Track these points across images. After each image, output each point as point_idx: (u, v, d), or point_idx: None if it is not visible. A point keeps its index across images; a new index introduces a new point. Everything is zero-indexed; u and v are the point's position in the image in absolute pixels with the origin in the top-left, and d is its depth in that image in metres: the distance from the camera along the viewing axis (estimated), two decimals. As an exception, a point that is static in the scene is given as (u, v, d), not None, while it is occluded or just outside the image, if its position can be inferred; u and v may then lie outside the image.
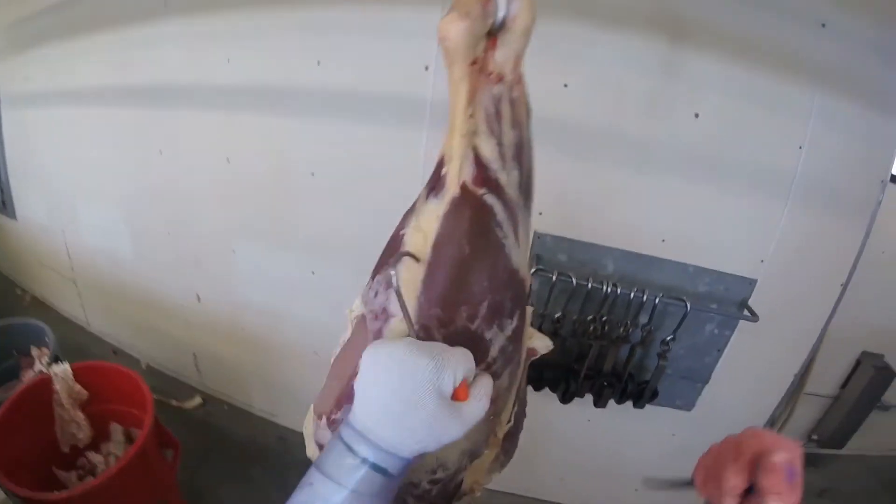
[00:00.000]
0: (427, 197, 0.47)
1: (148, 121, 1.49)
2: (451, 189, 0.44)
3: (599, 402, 1.31)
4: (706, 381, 1.43)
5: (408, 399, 0.39)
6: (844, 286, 1.27)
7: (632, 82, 1.09)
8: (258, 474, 1.69)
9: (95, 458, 1.36)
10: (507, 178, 0.45)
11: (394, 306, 0.49)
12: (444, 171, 0.45)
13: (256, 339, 1.71)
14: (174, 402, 1.88)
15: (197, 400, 1.90)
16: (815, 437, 2.08)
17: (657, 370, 1.27)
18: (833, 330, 1.35)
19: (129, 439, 1.40)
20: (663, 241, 1.23)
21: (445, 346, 0.43)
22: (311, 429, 0.61)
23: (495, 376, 0.51)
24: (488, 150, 0.43)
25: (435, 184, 0.46)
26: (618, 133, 1.15)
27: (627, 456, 1.63)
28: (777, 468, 0.46)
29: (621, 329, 1.23)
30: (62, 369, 1.29)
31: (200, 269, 1.64)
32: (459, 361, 0.42)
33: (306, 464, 1.66)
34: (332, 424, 0.55)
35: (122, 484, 1.09)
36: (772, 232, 1.22)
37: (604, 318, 1.20)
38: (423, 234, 0.46)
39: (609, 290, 1.15)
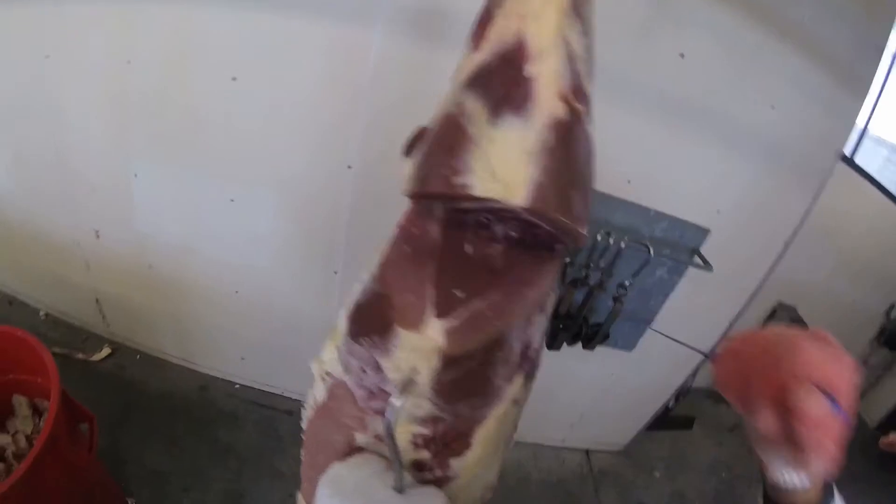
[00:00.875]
0: (495, 113, 0.30)
1: (31, 19, 1.16)
2: (547, 104, 0.29)
3: (553, 345, 1.29)
4: (649, 323, 1.46)
5: None
6: (787, 244, 1.33)
7: (620, 8, 1.00)
8: (182, 431, 1.54)
9: (2, 438, 1.15)
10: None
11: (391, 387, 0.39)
12: (526, 69, 0.29)
13: (166, 279, 1.50)
14: (80, 356, 1.64)
15: (105, 351, 1.67)
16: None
17: (612, 313, 1.26)
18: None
19: (37, 411, 1.20)
20: (629, 181, 1.19)
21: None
22: None
23: (534, 366, 0.44)
24: (578, 43, 0.30)
25: (507, 89, 0.29)
26: (599, 61, 1.05)
27: (565, 393, 1.67)
28: (814, 419, 0.35)
29: (581, 271, 1.19)
30: None
31: (97, 200, 1.38)
32: None
33: (232, 415, 1.51)
34: None
35: (36, 482, 0.91)
36: (732, 184, 1.23)
37: (567, 261, 1.15)
38: (502, 185, 0.30)
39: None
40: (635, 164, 1.19)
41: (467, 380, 0.40)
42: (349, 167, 1.21)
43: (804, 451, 0.37)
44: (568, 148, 0.30)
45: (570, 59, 0.30)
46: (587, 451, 1.84)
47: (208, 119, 1.19)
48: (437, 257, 0.38)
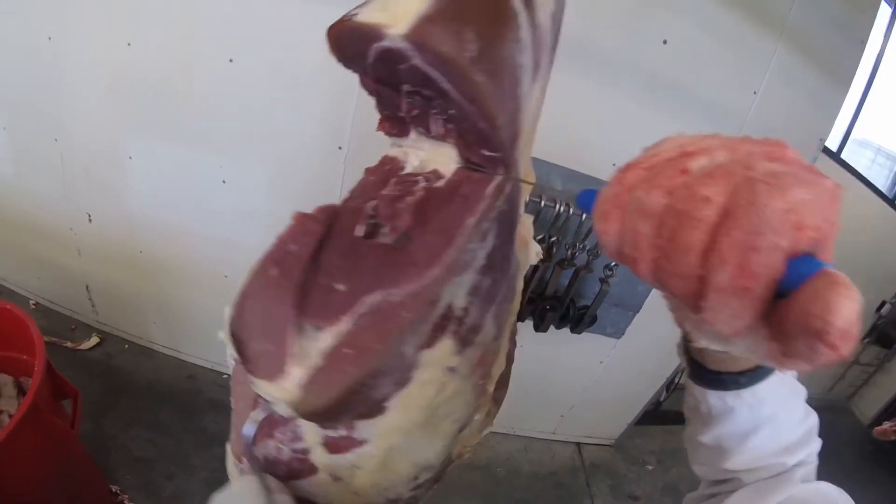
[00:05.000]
0: None
1: (32, 0, 1.19)
2: None
3: (541, 327, 1.30)
4: (637, 310, 1.47)
5: None
6: None
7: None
8: (168, 418, 1.53)
9: None
10: None
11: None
12: None
13: (157, 264, 1.50)
14: (69, 345, 1.64)
15: (94, 340, 1.67)
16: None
17: (599, 295, 1.27)
18: None
19: (22, 391, 1.18)
20: (614, 164, 1.20)
21: None
22: (234, 470, 0.47)
23: (473, 331, 0.37)
24: None
25: None
26: (583, 45, 1.09)
27: (555, 383, 1.67)
28: (853, 337, 0.20)
29: (567, 252, 1.20)
30: None
31: (91, 182, 1.39)
32: None
33: (219, 404, 1.51)
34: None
35: (15, 450, 0.90)
36: None
37: (552, 240, 1.16)
38: (388, 14, 0.30)
39: (561, 209, 1.11)
40: (621, 147, 1.18)
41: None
42: (340, 148, 1.23)
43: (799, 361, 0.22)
44: None
45: None
46: (578, 445, 1.83)
47: (205, 101, 1.22)
48: (304, 268, 0.34)
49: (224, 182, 1.31)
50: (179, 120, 1.25)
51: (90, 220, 1.46)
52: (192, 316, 1.60)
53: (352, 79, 0.38)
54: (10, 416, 1.13)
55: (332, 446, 0.39)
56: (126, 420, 1.49)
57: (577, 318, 1.31)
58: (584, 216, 1.14)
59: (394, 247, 0.34)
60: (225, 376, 1.68)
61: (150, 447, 1.45)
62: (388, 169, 0.40)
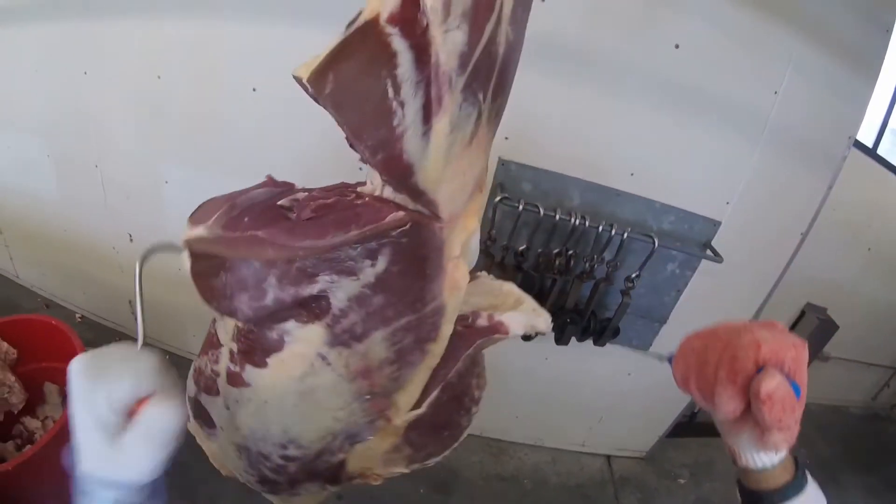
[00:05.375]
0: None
1: (71, 38, 1.28)
2: (360, 18, 0.35)
3: (562, 340, 1.29)
4: (664, 322, 1.44)
5: (83, 426, 0.39)
6: (804, 236, 1.30)
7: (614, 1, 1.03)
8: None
9: (32, 423, 1.23)
10: (443, 38, 0.35)
11: None
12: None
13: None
14: (111, 356, 1.73)
15: (136, 351, 1.76)
16: (758, 381, 2.19)
17: (620, 307, 1.25)
18: (782, 279, 1.38)
19: (66, 399, 1.27)
20: (632, 174, 1.20)
21: (120, 359, 0.41)
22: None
23: (352, 337, 0.44)
24: None
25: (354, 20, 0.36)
26: (594, 55, 1.08)
27: (583, 395, 1.65)
28: (777, 399, 0.39)
29: (586, 264, 1.19)
30: None
31: (131, 205, 1.48)
32: (121, 379, 0.39)
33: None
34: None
35: (57, 453, 0.96)
36: (740, 175, 1.21)
37: (569, 253, 1.16)
38: (305, 67, 0.37)
39: (577, 222, 1.10)
40: (638, 156, 1.19)
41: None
42: (360, 169, 1.26)
43: (769, 429, 0.41)
44: (348, 46, 0.36)
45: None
46: (608, 457, 1.80)
47: (232, 127, 1.27)
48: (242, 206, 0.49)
49: (252, 204, 1.36)
50: (208, 146, 1.31)
51: (131, 240, 1.55)
52: (227, 329, 1.67)
53: None
54: (55, 421, 1.23)
55: (231, 378, 0.48)
56: (164, 427, 1.57)
57: (598, 330, 1.29)
58: (600, 228, 1.13)
59: (292, 220, 0.44)
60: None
61: (186, 452, 1.51)
62: (346, 184, 0.50)
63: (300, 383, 0.46)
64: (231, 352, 0.49)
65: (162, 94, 1.27)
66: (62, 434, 0.96)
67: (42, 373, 1.24)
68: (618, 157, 1.18)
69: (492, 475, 1.66)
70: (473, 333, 0.49)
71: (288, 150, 1.27)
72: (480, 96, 0.39)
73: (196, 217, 0.49)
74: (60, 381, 1.25)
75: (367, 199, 0.43)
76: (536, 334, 1.22)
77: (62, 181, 1.56)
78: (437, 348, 0.48)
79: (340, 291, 0.42)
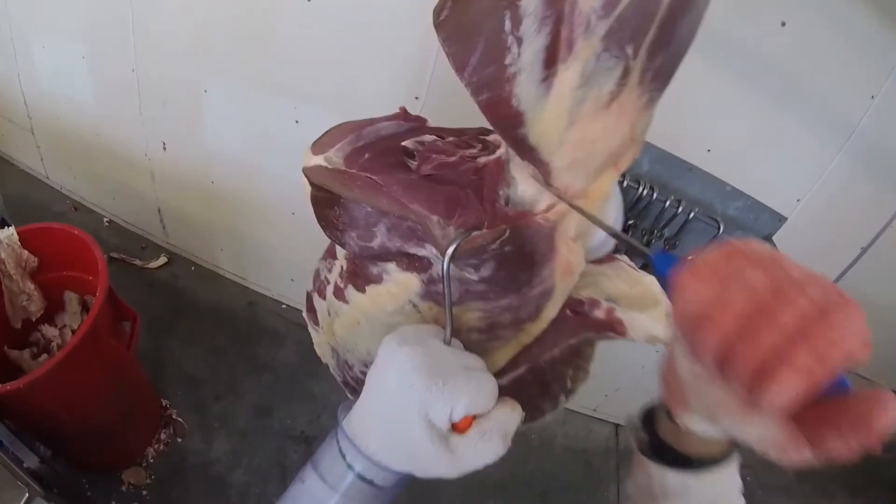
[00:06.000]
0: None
1: None
2: None
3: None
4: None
5: (395, 418, 0.36)
6: (864, 250, 1.25)
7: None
8: (224, 342, 1.62)
9: (50, 331, 1.22)
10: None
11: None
12: None
13: (227, 195, 1.54)
14: (137, 263, 1.74)
15: (162, 260, 1.76)
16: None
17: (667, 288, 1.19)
18: None
19: (86, 308, 1.26)
20: (709, 150, 1.10)
21: (462, 369, 0.36)
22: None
23: (442, 297, 0.40)
24: None
25: None
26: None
27: (606, 361, 1.57)
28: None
29: (644, 238, 1.12)
30: (7, 235, 1.10)
31: (167, 112, 1.41)
32: (464, 393, 0.35)
33: (275, 333, 1.58)
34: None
35: (74, 368, 0.97)
36: (817, 174, 1.14)
37: (630, 223, 1.08)
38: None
39: (645, 192, 1.02)
40: (718, 133, 1.10)
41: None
42: (416, 98, 1.17)
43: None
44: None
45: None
46: (617, 427, 1.81)
47: (281, 41, 1.18)
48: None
49: (297, 122, 1.29)
50: (255, 58, 1.22)
51: (165, 149, 1.50)
52: (258, 247, 1.65)
53: (433, 30, 0.37)
54: (73, 330, 1.23)
55: (336, 290, 0.52)
56: (184, 339, 1.59)
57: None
58: (667, 202, 1.05)
59: (412, 171, 0.43)
60: (284, 306, 1.75)
61: (203, 367, 1.55)
62: (475, 132, 0.50)
63: (390, 317, 0.46)
64: (341, 267, 0.52)
65: (211, 1, 1.16)
66: (75, 354, 0.95)
67: (62, 281, 1.22)
68: (697, 130, 1.09)
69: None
70: (584, 323, 0.45)
71: (341, 69, 1.18)
72: (630, 50, 0.32)
73: (320, 144, 0.48)
74: (80, 289, 1.24)
75: (490, 162, 0.41)
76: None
77: (97, 84, 1.49)
78: (535, 328, 0.46)
79: (438, 263, 0.42)
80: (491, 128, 0.38)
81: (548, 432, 1.72)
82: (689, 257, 0.28)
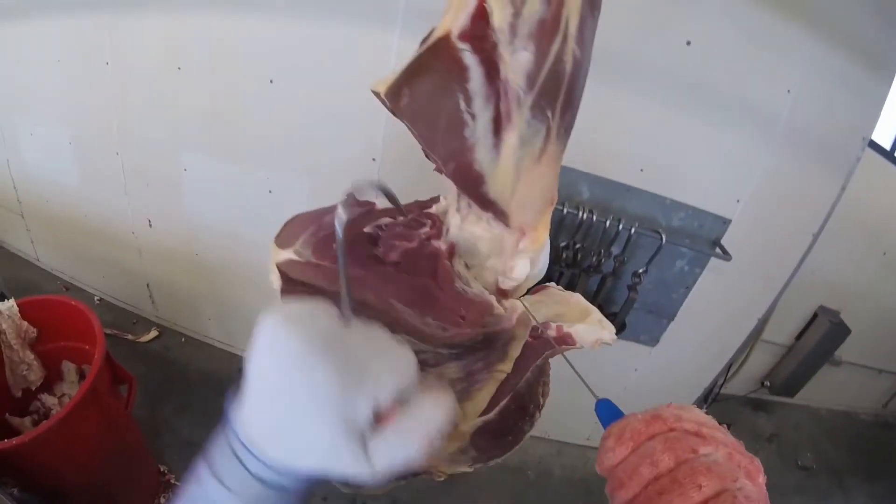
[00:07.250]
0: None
1: (92, 31, 1.33)
2: (433, 36, 0.38)
3: (567, 333, 1.30)
4: (672, 318, 1.44)
5: (301, 420, 0.30)
6: (815, 237, 1.29)
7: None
8: (218, 406, 1.62)
9: (49, 400, 1.27)
10: (510, 57, 0.37)
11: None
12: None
13: (211, 265, 1.62)
14: (129, 337, 1.79)
15: (153, 333, 1.82)
16: (767, 383, 2.18)
17: (627, 302, 1.26)
18: (795, 280, 1.37)
19: (83, 377, 1.31)
20: (641, 170, 1.20)
21: (374, 351, 0.33)
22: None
23: (426, 364, 0.45)
24: (498, 14, 0.36)
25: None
26: (606, 49, 1.07)
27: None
28: None
29: (594, 258, 1.20)
30: (7, 306, 1.17)
31: (151, 191, 1.53)
32: (388, 377, 0.31)
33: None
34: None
35: (75, 425, 1.02)
36: (751, 173, 1.21)
37: (577, 246, 1.17)
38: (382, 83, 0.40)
39: (585, 216, 1.11)
40: (648, 152, 1.19)
41: None
42: (374, 159, 1.28)
43: None
44: (425, 60, 0.40)
45: (478, 13, 0.36)
46: (612, 452, 1.81)
47: (249, 118, 1.30)
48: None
49: (270, 192, 1.40)
50: (227, 136, 1.35)
51: (150, 226, 1.60)
52: (244, 313, 1.71)
53: (376, 100, 0.45)
54: (71, 398, 1.26)
55: None
56: (179, 407, 1.62)
57: (604, 325, 1.30)
58: (607, 222, 1.14)
59: (382, 262, 0.47)
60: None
61: (199, 432, 1.57)
62: (419, 207, 0.53)
63: None
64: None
65: (182, 85, 1.30)
66: (76, 411, 1.00)
67: (61, 351, 1.28)
68: (628, 153, 1.18)
69: (496, 465, 1.67)
70: (543, 344, 0.50)
71: (305, 140, 1.30)
72: (549, 113, 0.41)
73: (282, 238, 0.50)
74: (78, 359, 1.30)
75: (443, 253, 0.47)
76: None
77: (83, 167, 1.61)
78: (506, 367, 0.50)
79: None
80: (426, 199, 0.47)
81: (544, 466, 1.71)
82: (619, 419, 0.37)
